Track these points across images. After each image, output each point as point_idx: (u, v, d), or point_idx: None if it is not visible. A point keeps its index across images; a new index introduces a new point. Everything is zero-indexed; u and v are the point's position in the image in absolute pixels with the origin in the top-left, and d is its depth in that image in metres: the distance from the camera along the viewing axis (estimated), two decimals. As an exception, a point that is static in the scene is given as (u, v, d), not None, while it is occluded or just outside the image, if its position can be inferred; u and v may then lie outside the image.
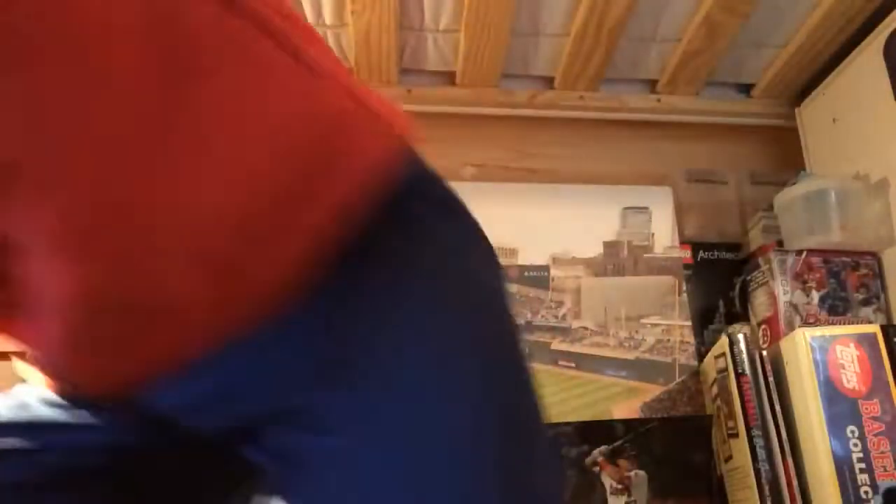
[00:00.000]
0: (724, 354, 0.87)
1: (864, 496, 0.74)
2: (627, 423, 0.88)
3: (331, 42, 1.03)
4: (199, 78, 0.33)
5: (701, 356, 0.98)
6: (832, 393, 0.78)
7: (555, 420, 0.89)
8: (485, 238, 0.44)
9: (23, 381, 0.45)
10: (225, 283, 0.35)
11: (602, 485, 0.86)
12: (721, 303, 1.04)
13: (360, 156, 0.38)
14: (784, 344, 0.84)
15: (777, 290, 0.92)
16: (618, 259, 1.04)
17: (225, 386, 0.38)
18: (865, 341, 0.80)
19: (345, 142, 0.37)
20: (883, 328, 0.81)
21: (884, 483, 0.75)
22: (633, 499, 0.86)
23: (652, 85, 1.18)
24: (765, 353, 0.85)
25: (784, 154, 1.17)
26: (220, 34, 0.34)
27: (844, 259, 0.94)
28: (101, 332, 0.36)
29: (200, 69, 0.33)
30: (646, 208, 1.07)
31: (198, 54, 0.33)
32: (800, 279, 0.93)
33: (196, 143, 0.33)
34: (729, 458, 0.86)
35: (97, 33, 0.31)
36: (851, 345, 0.80)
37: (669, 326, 1.00)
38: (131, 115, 0.32)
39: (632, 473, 0.87)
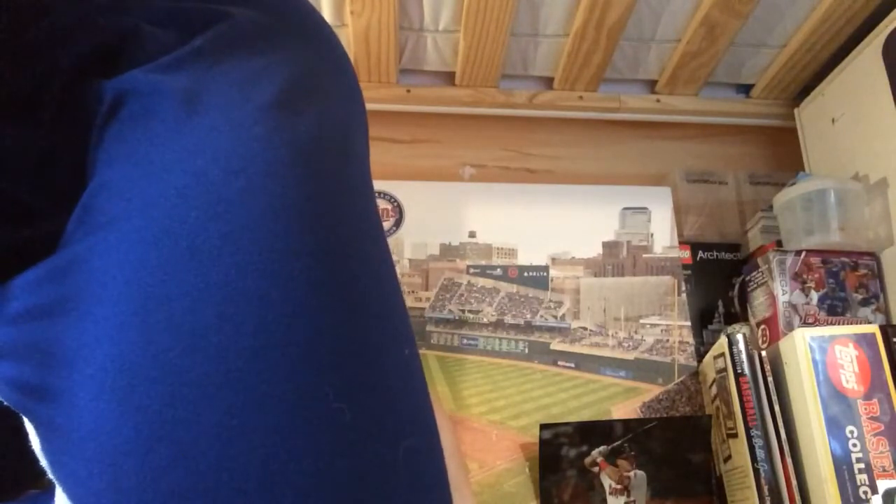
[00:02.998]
0: (723, 355, 0.87)
1: (863, 496, 0.74)
2: (627, 424, 0.88)
3: (330, 42, 1.03)
4: None
5: (700, 356, 0.98)
6: (831, 393, 0.78)
7: (554, 420, 0.89)
8: None
9: None
10: None
11: (601, 485, 0.86)
12: (720, 303, 1.04)
13: None
14: (783, 344, 0.84)
15: (776, 290, 0.92)
16: (617, 259, 1.04)
17: None
18: (864, 341, 0.81)
19: None
20: (882, 328, 0.81)
21: (883, 483, 0.75)
22: (632, 499, 0.86)
23: (651, 85, 1.18)
24: (764, 353, 0.85)
25: (783, 154, 1.17)
26: None
27: (843, 259, 0.94)
28: None
29: None
30: (645, 208, 1.08)
31: None
32: (799, 279, 0.93)
33: None
34: (728, 459, 0.86)
35: None
36: (850, 345, 0.80)
37: (668, 327, 1.00)
38: None
39: (631, 473, 0.87)
